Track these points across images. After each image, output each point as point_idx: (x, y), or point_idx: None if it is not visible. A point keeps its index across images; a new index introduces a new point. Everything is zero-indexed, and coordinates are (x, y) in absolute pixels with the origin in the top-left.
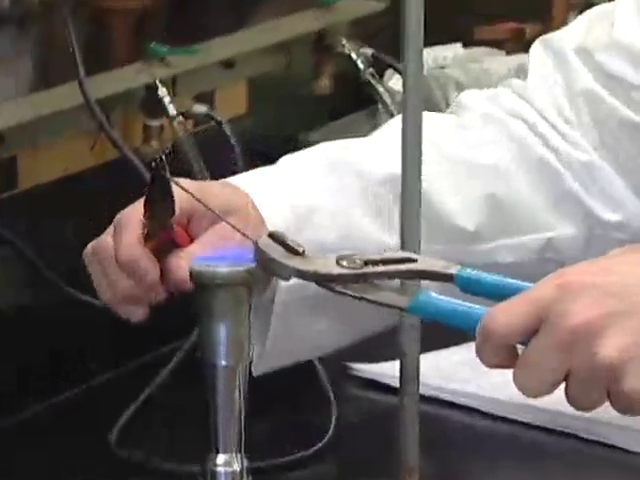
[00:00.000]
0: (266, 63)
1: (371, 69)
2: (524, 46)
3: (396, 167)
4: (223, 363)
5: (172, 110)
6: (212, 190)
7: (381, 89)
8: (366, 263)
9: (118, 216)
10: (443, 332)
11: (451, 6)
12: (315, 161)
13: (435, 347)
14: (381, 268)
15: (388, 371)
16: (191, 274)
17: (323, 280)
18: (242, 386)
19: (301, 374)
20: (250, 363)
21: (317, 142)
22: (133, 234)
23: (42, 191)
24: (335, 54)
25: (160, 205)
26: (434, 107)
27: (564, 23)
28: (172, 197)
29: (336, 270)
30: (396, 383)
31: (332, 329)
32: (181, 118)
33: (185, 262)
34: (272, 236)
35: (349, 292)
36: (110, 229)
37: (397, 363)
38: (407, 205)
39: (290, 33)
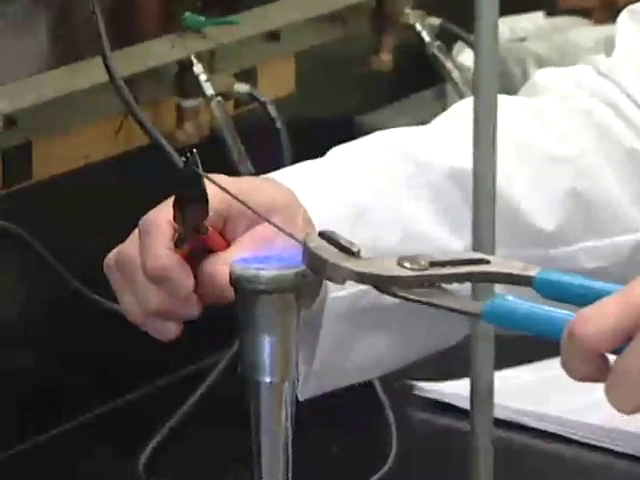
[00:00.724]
0: (317, 35)
1: (438, 42)
2: (615, 15)
3: (465, 159)
4: (267, 380)
5: (209, 89)
6: (252, 187)
7: (449, 65)
8: (432, 264)
9: (143, 219)
10: (514, 347)
11: None
12: (370, 152)
13: (505, 364)
14: (450, 270)
15: (456, 391)
16: (230, 278)
17: (384, 284)
18: (289, 406)
19: (356, 393)
20: (296, 381)
21: (375, 126)
22: (162, 240)
23: (59, 183)
24: (397, 25)
25: (192, 205)
26: (511, 86)
27: None
28: (206, 196)
29: (398, 272)
30: (466, 404)
31: (393, 344)
32: (220, 98)
33: (224, 269)
34: (322, 235)
35: (414, 297)
36: (134, 235)
37: (467, 382)
38: (480, 202)
39: (345, 1)
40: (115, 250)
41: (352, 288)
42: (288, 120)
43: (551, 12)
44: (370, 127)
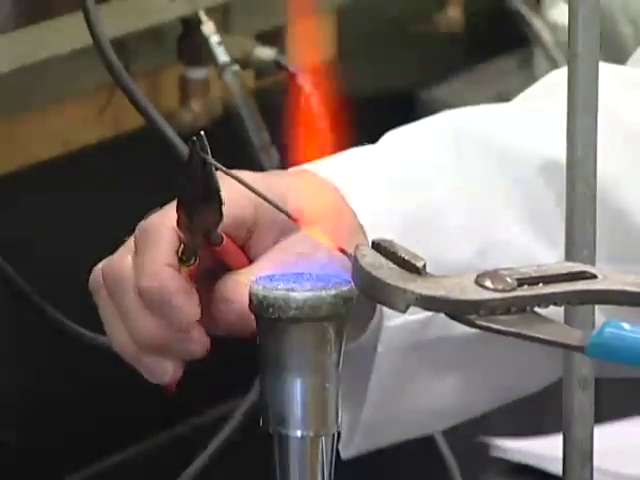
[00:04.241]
0: None
1: None
2: None
3: (558, 149)
4: (298, 434)
5: (223, 56)
6: (284, 185)
7: (538, 23)
8: (521, 282)
9: (141, 225)
10: (619, 395)
11: None
12: (437, 139)
13: (608, 417)
14: (544, 289)
15: (545, 451)
16: (250, 302)
17: (459, 310)
18: (326, 466)
19: (413, 452)
20: (338, 435)
21: (442, 103)
22: (162, 253)
23: (28, 175)
24: None
25: (202, 207)
26: (621, 51)
27: None
28: (218, 194)
29: (478, 294)
30: (558, 468)
31: (464, 388)
32: (236, 67)
33: (242, 290)
34: (377, 247)
35: (499, 327)
36: (128, 244)
37: (558, 439)
38: (575, 203)
39: None
40: (103, 263)
41: (414, 315)
42: (325, 96)
43: None
44: (435, 105)
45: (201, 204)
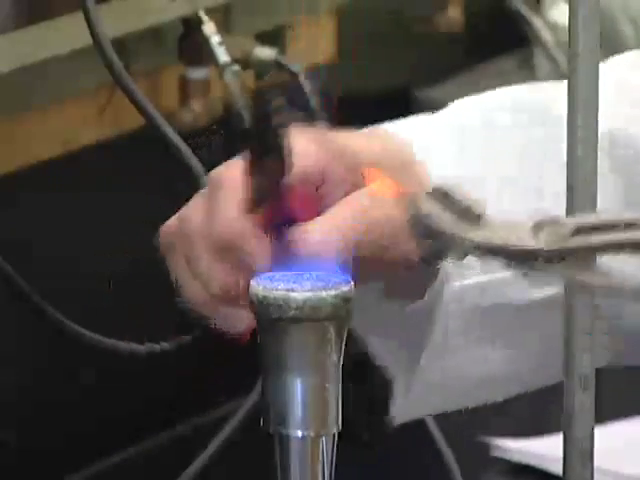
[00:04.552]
0: None
1: None
2: None
3: (620, 120)
4: (299, 434)
5: (223, 56)
6: (357, 141)
7: (538, 23)
8: (578, 231)
9: (211, 175)
10: (620, 394)
11: None
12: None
13: (609, 417)
14: (600, 238)
15: (545, 451)
16: (251, 301)
17: (516, 259)
18: (327, 465)
19: (413, 452)
20: (339, 436)
21: (444, 103)
22: (233, 200)
23: (27, 176)
24: None
25: (268, 159)
26: (621, 51)
27: None
28: (284, 146)
29: (535, 243)
30: (558, 468)
31: (515, 358)
32: (236, 67)
33: (310, 240)
34: (437, 195)
35: (553, 274)
36: (198, 196)
37: (559, 439)
38: (576, 202)
39: None
40: (171, 219)
41: (478, 277)
42: (326, 96)
43: None
44: (434, 105)
45: (268, 154)
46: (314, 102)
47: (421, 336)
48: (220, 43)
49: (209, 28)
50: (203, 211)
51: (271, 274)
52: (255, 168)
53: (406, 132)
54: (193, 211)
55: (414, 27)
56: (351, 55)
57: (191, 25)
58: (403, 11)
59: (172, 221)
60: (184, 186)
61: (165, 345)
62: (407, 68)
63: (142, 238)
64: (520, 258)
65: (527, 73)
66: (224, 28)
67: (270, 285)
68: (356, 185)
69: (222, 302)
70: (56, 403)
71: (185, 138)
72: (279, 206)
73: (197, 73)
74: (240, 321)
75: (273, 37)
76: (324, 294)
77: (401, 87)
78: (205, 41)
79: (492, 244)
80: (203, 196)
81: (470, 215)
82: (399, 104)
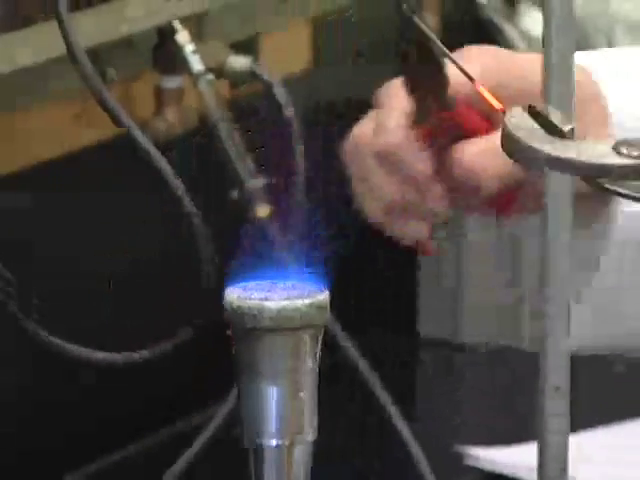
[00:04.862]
0: None
1: (497, 1)
2: None
3: None
4: (273, 443)
5: (197, 65)
6: (528, 60)
7: (512, 33)
8: None
9: (377, 92)
10: (596, 402)
11: None
12: None
13: (584, 425)
14: None
15: (519, 459)
16: (225, 310)
17: (588, 173)
18: (303, 474)
19: (387, 461)
20: (314, 444)
21: None
22: (395, 114)
23: (30, 175)
24: None
25: (427, 73)
26: None
27: None
28: (439, 62)
29: (610, 159)
30: (533, 477)
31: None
32: (210, 76)
33: (477, 155)
34: (531, 110)
35: (625, 191)
36: (368, 115)
37: (533, 447)
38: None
39: None
40: (355, 129)
41: None
42: (301, 106)
43: None
44: None
45: (426, 69)
46: (289, 111)
47: (595, 258)
48: (194, 52)
49: (183, 37)
50: (370, 128)
51: (245, 283)
52: (415, 83)
53: (588, 60)
54: (362, 128)
55: (388, 36)
56: (327, 64)
57: (165, 34)
58: (377, 20)
59: (352, 134)
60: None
61: (144, 353)
62: (382, 77)
63: (142, 238)
64: (592, 172)
65: None
66: (198, 37)
67: (244, 294)
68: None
69: (395, 215)
70: (56, 403)
71: (160, 147)
72: (441, 121)
73: (171, 82)
74: (416, 232)
75: (247, 46)
76: (299, 303)
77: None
78: (179, 50)
79: (564, 157)
80: (372, 116)
81: (556, 130)
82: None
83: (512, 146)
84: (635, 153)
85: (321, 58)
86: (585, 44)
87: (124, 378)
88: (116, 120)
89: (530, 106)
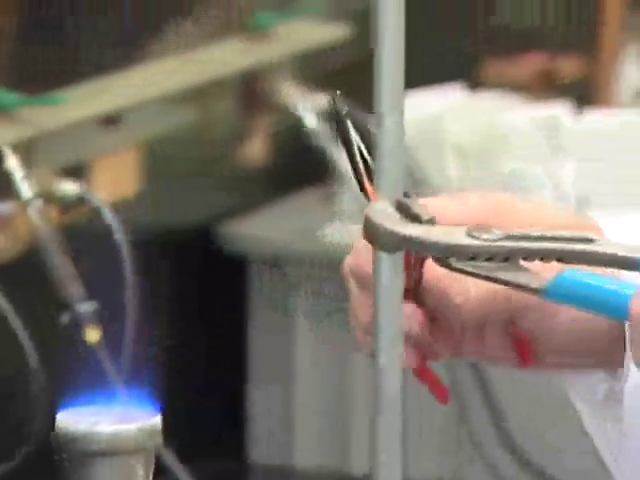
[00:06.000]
0: (167, 119)
1: (326, 126)
2: (552, 90)
3: None
4: None
5: (27, 190)
6: (530, 216)
7: (342, 159)
8: (508, 237)
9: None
10: None
11: (448, 30)
12: None
13: None
14: (526, 244)
15: None
16: (55, 435)
17: (439, 253)
18: None
19: None
20: None
21: (244, 237)
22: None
23: None
24: (272, 104)
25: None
26: (425, 181)
27: (618, 58)
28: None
29: (461, 240)
30: None
31: None
32: (40, 202)
33: (436, 273)
34: (397, 202)
35: (472, 270)
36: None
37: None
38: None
39: (205, 73)
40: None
41: None
42: (130, 230)
43: (474, 85)
44: (237, 238)
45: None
46: (120, 237)
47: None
48: (23, 178)
49: (12, 163)
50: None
51: (77, 408)
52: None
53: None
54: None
55: (217, 159)
56: (154, 190)
57: None
58: (206, 147)
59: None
60: None
61: None
62: (210, 202)
63: None
64: (443, 252)
65: (331, 208)
66: (27, 162)
67: (75, 419)
68: None
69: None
70: None
71: None
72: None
73: (1, 207)
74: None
75: (77, 171)
76: (128, 427)
77: (205, 221)
78: (8, 176)
79: (417, 237)
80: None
81: (415, 218)
82: (202, 239)
83: (370, 230)
84: (485, 236)
85: (151, 181)
86: (415, 167)
87: None
88: None
89: (398, 200)
